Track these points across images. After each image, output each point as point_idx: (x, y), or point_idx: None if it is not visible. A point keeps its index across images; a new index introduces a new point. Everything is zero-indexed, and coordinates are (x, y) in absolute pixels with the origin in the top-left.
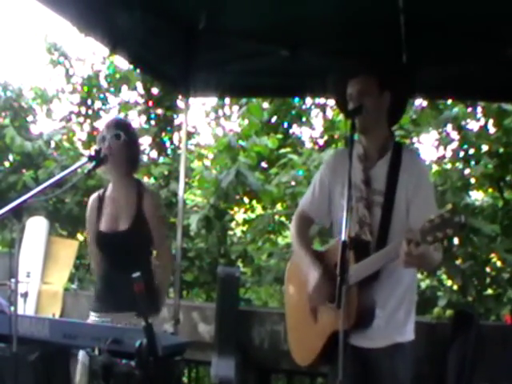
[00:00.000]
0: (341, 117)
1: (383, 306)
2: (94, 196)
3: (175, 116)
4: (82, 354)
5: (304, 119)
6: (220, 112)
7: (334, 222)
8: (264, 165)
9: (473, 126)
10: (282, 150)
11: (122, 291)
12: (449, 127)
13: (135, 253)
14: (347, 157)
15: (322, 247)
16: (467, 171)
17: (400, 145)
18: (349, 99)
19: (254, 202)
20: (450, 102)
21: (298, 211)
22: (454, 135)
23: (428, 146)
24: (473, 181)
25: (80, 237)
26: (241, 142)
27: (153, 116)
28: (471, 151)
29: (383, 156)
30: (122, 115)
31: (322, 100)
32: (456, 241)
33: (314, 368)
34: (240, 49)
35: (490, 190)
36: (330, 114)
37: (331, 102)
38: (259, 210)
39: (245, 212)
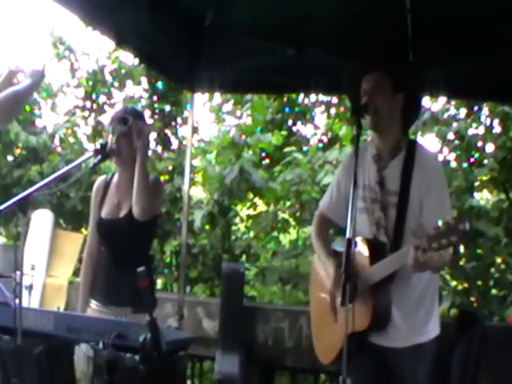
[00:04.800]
0: (343, 130)
1: (400, 307)
2: (101, 179)
3: (182, 111)
4: (82, 348)
5: (308, 117)
6: (224, 108)
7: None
8: (267, 162)
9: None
10: (287, 149)
11: (121, 284)
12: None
13: (134, 241)
14: (362, 158)
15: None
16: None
17: (414, 143)
18: (363, 95)
19: (257, 198)
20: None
21: (317, 213)
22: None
23: (431, 148)
24: (477, 183)
25: (84, 231)
26: (245, 138)
27: (157, 111)
28: (474, 152)
29: (396, 156)
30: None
31: (326, 98)
32: (461, 248)
33: (328, 366)
34: (246, 46)
35: (495, 193)
36: (333, 111)
37: (335, 100)
38: (262, 207)
39: (248, 209)
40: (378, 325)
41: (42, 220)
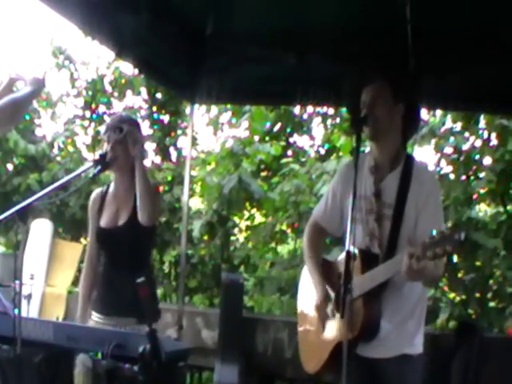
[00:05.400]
0: (342, 140)
1: (391, 318)
2: (97, 192)
3: (181, 122)
4: (81, 358)
5: (305, 128)
6: (222, 119)
7: (345, 232)
8: (266, 173)
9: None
10: (284, 160)
11: (124, 294)
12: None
13: (135, 249)
14: (359, 168)
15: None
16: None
17: (412, 157)
18: (362, 107)
19: (255, 210)
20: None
21: (310, 221)
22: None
23: (428, 161)
24: (475, 196)
25: (83, 241)
26: (243, 148)
27: (157, 121)
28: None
29: (395, 168)
30: None
31: (322, 109)
32: (455, 258)
33: (320, 376)
34: (246, 54)
35: (493, 205)
36: (330, 123)
37: (332, 111)
38: (260, 218)
39: (246, 220)
40: (366, 335)
41: (41, 229)
